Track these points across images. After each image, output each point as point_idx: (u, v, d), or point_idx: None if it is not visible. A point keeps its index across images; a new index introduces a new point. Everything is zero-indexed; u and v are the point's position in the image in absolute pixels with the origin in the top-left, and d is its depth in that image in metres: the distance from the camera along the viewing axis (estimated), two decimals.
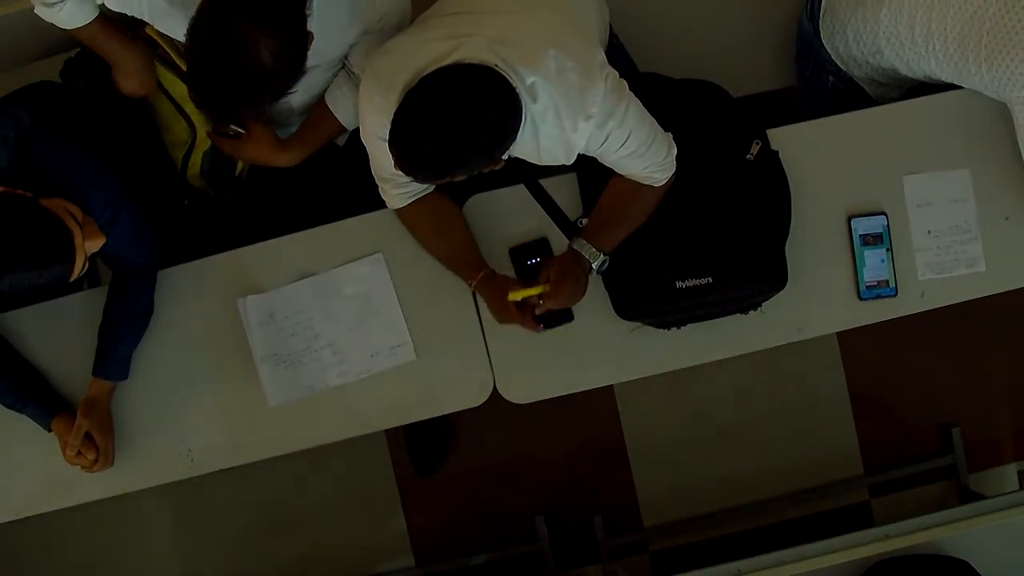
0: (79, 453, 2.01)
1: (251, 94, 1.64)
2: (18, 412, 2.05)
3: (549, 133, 1.77)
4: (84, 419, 2.01)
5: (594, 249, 1.93)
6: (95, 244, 1.72)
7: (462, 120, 1.61)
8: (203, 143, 2.13)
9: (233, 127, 2.04)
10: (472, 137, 1.62)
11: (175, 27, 1.78)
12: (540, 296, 1.90)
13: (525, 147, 1.79)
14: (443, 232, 2.02)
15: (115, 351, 2.03)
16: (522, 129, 1.70)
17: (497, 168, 1.77)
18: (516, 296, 1.91)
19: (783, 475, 2.95)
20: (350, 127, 2.06)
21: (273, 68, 1.61)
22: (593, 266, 1.95)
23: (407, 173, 1.68)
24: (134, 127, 2.09)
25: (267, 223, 2.18)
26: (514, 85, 1.66)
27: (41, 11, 1.92)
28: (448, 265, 2.04)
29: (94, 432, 2.02)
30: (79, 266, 1.68)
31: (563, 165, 1.86)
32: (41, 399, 2.05)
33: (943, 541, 2.19)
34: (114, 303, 2.03)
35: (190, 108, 2.08)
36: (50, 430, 2.04)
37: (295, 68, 1.67)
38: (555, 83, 1.72)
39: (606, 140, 1.79)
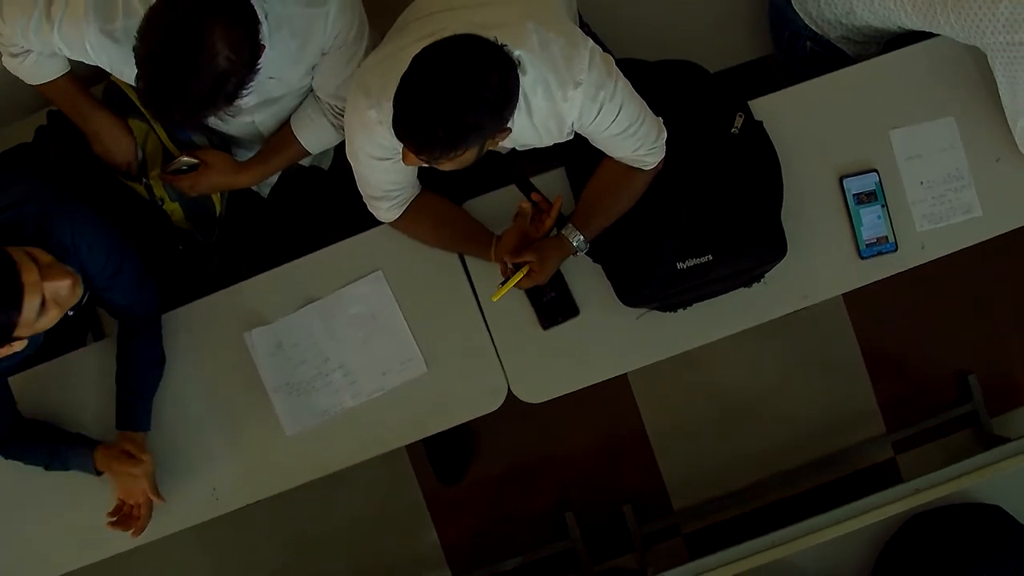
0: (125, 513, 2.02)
1: (209, 90, 1.62)
2: (63, 468, 2.03)
3: (540, 106, 1.76)
4: (144, 453, 2.00)
5: (582, 238, 1.94)
6: (64, 284, 1.66)
7: (467, 85, 1.57)
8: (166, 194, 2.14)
9: (186, 160, 2.04)
10: (479, 98, 1.58)
11: (129, 69, 1.72)
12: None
13: (521, 124, 1.77)
14: (445, 222, 2.02)
15: (143, 401, 2.03)
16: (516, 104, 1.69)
17: (503, 139, 1.73)
18: (500, 294, 1.90)
19: (806, 443, 2.95)
20: (313, 151, 2.07)
21: (228, 59, 1.59)
22: (576, 250, 1.95)
23: (417, 152, 1.63)
24: (114, 183, 2.09)
25: (262, 256, 2.18)
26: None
27: (8, 62, 1.92)
28: (462, 250, 2.05)
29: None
30: (32, 305, 1.60)
31: (553, 163, 1.85)
32: (77, 444, 2.04)
33: (972, 488, 2.19)
34: (130, 356, 2.03)
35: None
36: (99, 472, 2.02)
37: (250, 58, 1.64)
38: (540, 56, 1.71)
39: (599, 113, 1.78)
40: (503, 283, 1.91)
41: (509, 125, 1.71)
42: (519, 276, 1.90)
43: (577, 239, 1.94)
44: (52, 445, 2.02)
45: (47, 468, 2.03)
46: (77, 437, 2.05)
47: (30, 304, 1.61)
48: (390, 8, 1.93)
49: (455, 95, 1.56)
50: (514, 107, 1.66)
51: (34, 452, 2.03)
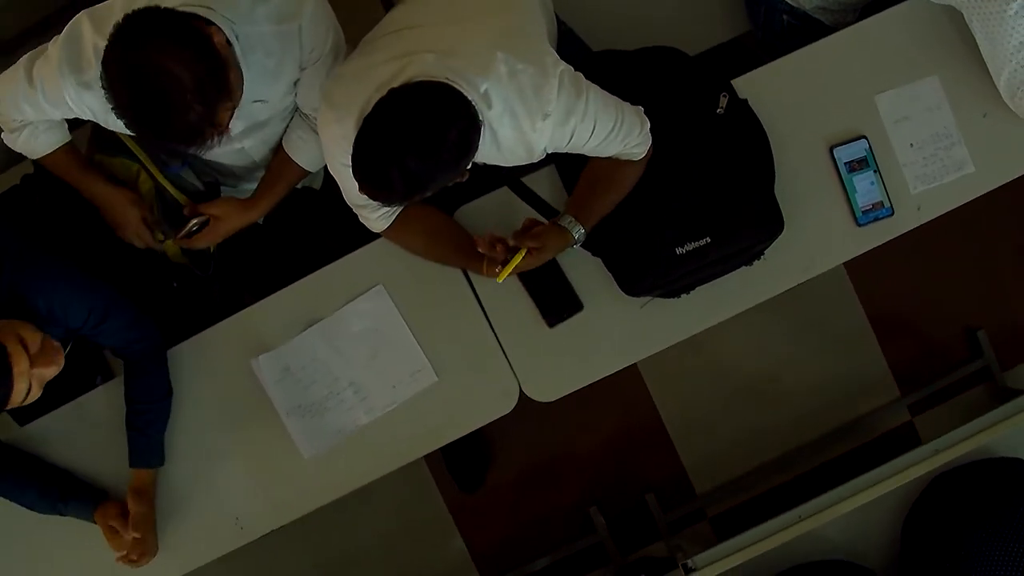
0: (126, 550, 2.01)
1: (193, 110, 1.60)
2: (60, 514, 2.04)
3: (507, 135, 1.76)
4: (139, 507, 2.01)
5: (582, 229, 1.93)
6: (51, 371, 1.70)
7: (423, 141, 1.60)
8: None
9: (196, 220, 2.04)
10: (436, 156, 1.61)
11: (111, 116, 1.70)
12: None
13: (486, 152, 1.78)
14: (435, 235, 2.02)
15: (148, 438, 2.04)
16: (481, 137, 1.70)
17: (463, 180, 1.76)
18: (505, 274, 1.89)
19: (823, 414, 2.95)
20: (312, 169, 2.06)
21: (192, 76, 1.57)
22: (576, 241, 1.94)
23: (374, 198, 1.68)
24: (104, 228, 2.09)
25: (262, 282, 2.18)
26: (468, 96, 1.66)
27: (7, 138, 1.94)
28: (453, 264, 2.05)
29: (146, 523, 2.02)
30: (20, 391, 1.65)
31: (544, 161, 1.85)
32: (80, 494, 2.05)
33: (992, 443, 2.19)
34: (134, 392, 2.03)
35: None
36: (94, 521, 2.04)
37: (213, 65, 1.62)
38: (508, 86, 1.71)
39: (572, 136, 1.79)
40: (504, 264, 1.89)
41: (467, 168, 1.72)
42: (519, 257, 1.88)
43: (578, 231, 1.93)
44: (48, 500, 2.03)
45: (33, 509, 2.04)
46: (75, 491, 2.05)
47: (19, 390, 1.66)
48: (362, 21, 1.93)
49: (411, 153, 1.59)
50: (471, 159, 1.68)
51: (19, 492, 2.04)
